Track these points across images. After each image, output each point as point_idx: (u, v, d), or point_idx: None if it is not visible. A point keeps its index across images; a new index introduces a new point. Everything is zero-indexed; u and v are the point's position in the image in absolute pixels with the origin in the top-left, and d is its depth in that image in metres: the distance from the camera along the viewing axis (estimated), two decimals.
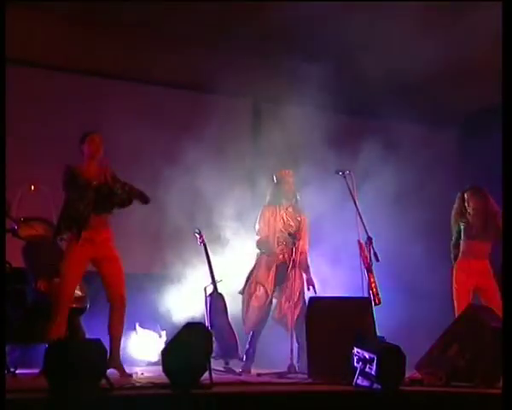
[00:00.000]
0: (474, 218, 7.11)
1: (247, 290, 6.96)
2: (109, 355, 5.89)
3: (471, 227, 7.11)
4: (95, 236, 6.03)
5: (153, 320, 7.84)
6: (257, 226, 7.10)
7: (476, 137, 9.23)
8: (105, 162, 6.11)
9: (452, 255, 7.20)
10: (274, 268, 6.92)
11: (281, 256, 6.97)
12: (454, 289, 7.05)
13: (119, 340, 6.15)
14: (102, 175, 6.00)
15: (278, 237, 7.00)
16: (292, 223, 7.05)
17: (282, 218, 7.05)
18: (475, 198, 7.12)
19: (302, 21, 7.81)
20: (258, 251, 7.07)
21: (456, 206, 7.22)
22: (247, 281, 6.99)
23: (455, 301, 7.00)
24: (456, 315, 6.79)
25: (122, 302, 6.14)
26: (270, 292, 6.89)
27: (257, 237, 7.07)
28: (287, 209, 7.09)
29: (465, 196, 7.17)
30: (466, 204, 7.15)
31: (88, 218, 5.93)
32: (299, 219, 7.09)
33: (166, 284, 7.90)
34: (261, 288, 6.88)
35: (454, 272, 7.12)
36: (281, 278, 6.91)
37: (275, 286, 6.92)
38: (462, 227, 7.14)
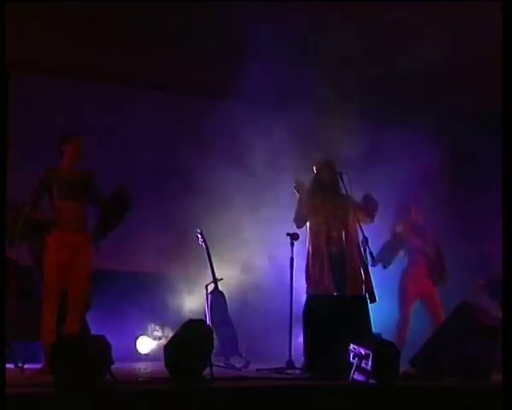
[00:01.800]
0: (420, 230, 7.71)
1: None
2: None
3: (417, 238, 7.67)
4: (70, 238, 6.05)
5: (165, 320, 7.94)
6: (297, 207, 6.90)
7: (476, 139, 9.28)
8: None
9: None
10: (328, 261, 6.78)
11: (333, 248, 6.82)
12: (403, 294, 7.58)
13: None
14: (82, 178, 6.14)
15: (325, 227, 6.84)
16: (339, 212, 6.91)
17: (329, 206, 6.89)
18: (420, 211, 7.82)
19: (302, 23, 7.86)
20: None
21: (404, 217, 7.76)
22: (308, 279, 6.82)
23: (402, 305, 7.56)
24: (401, 316, 7.46)
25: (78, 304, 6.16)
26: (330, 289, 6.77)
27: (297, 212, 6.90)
28: (333, 198, 6.95)
29: (413, 210, 7.79)
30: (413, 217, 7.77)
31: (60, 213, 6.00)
32: (344, 207, 6.93)
33: (177, 284, 8.00)
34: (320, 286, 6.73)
35: (403, 278, 7.64)
36: (337, 271, 6.78)
37: (333, 281, 6.75)
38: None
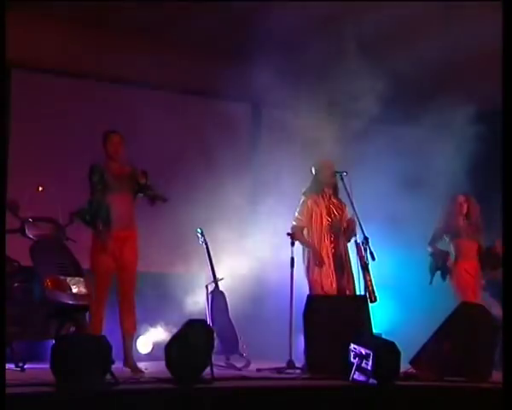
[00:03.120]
0: (470, 220, 7.57)
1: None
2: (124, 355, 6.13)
3: (467, 229, 7.53)
4: (118, 234, 6.18)
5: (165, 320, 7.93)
6: (296, 214, 6.93)
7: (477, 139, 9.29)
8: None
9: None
10: (328, 261, 6.80)
11: (333, 247, 6.85)
12: (462, 289, 7.37)
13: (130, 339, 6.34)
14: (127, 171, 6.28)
15: (325, 227, 6.86)
16: (336, 212, 6.93)
17: (327, 207, 6.90)
18: (471, 201, 7.62)
19: (302, 25, 7.88)
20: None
21: (453, 209, 7.62)
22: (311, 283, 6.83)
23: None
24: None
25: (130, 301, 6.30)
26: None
27: (293, 224, 6.91)
28: (330, 198, 6.95)
29: (461, 199, 7.61)
30: (462, 207, 7.59)
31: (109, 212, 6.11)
32: (342, 208, 6.96)
33: (178, 284, 7.98)
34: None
35: (458, 273, 7.44)
36: (337, 271, 6.81)
37: (333, 281, 6.77)
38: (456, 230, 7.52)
